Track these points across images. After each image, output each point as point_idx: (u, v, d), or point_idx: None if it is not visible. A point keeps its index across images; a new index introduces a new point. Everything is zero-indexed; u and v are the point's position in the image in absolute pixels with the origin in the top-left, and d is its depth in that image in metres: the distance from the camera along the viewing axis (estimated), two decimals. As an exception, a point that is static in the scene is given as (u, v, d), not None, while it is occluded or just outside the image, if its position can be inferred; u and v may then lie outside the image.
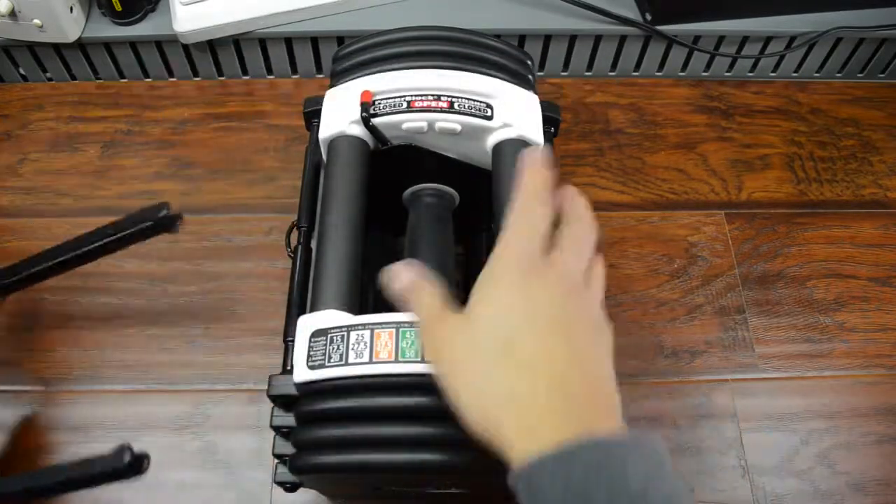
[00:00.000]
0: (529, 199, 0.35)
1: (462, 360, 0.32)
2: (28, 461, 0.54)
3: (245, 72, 0.74)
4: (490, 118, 0.45)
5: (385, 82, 0.46)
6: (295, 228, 0.49)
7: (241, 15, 0.67)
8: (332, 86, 0.48)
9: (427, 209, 0.51)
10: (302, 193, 0.50)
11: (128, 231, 0.46)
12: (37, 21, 0.65)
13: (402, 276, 0.37)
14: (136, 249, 0.63)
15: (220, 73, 0.74)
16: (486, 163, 0.47)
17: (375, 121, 0.45)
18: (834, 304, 0.64)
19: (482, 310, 0.33)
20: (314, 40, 0.71)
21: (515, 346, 0.31)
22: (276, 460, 0.43)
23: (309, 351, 0.39)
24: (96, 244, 0.47)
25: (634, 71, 0.76)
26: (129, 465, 0.37)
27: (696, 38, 0.73)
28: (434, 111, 0.45)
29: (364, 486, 0.48)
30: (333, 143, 0.46)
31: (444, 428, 0.37)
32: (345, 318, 0.39)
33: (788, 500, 0.55)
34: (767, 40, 0.73)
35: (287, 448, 0.42)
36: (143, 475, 0.37)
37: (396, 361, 0.37)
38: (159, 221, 0.44)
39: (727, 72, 0.77)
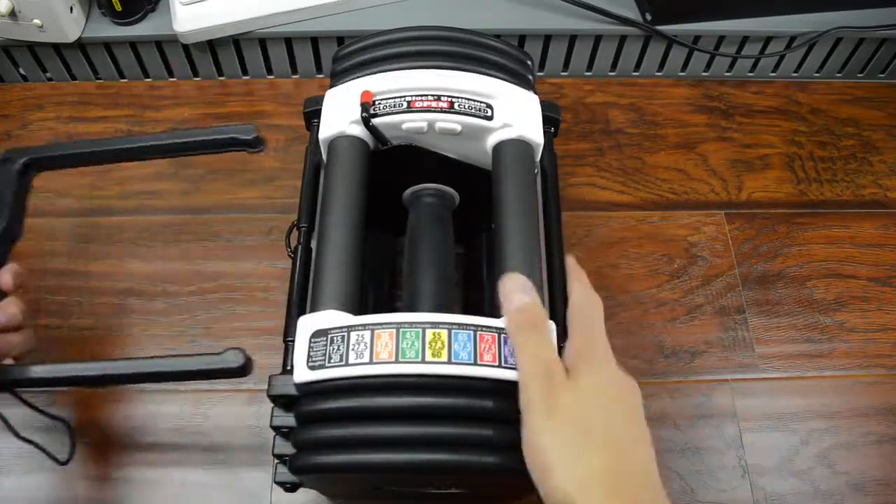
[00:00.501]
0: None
1: (564, 436, 0.33)
2: (26, 461, 0.54)
3: (245, 72, 0.74)
4: (490, 118, 0.45)
5: (385, 82, 0.46)
6: (295, 228, 0.49)
7: (241, 15, 0.67)
8: (332, 86, 0.48)
9: (427, 209, 0.51)
10: (302, 193, 0.50)
11: (214, 138, 0.49)
12: (37, 21, 0.65)
13: (515, 300, 0.38)
14: (135, 249, 0.63)
15: (220, 73, 0.74)
16: (486, 163, 0.47)
17: (375, 121, 0.45)
18: (834, 304, 0.64)
19: (585, 389, 0.35)
20: (314, 40, 0.71)
21: (612, 429, 0.34)
22: (276, 460, 0.43)
23: (309, 351, 0.39)
24: (178, 141, 0.50)
25: (634, 71, 0.76)
26: (241, 367, 0.41)
27: (696, 38, 0.73)
28: (434, 111, 0.45)
29: (364, 486, 0.48)
30: (333, 143, 0.46)
31: (444, 428, 0.38)
32: (345, 318, 0.39)
33: (788, 500, 0.55)
34: (767, 40, 0.73)
35: (287, 448, 0.42)
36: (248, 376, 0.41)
37: (397, 362, 0.37)
38: (248, 141, 0.48)
39: (727, 72, 0.77)
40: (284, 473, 0.43)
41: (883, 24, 0.72)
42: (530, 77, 0.49)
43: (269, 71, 0.74)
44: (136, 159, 0.51)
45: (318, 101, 0.48)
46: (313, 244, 0.47)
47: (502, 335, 0.39)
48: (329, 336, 0.39)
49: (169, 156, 0.51)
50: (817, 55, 0.75)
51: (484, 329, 0.38)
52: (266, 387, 0.40)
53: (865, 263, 0.66)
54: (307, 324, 0.40)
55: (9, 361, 0.44)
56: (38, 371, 0.42)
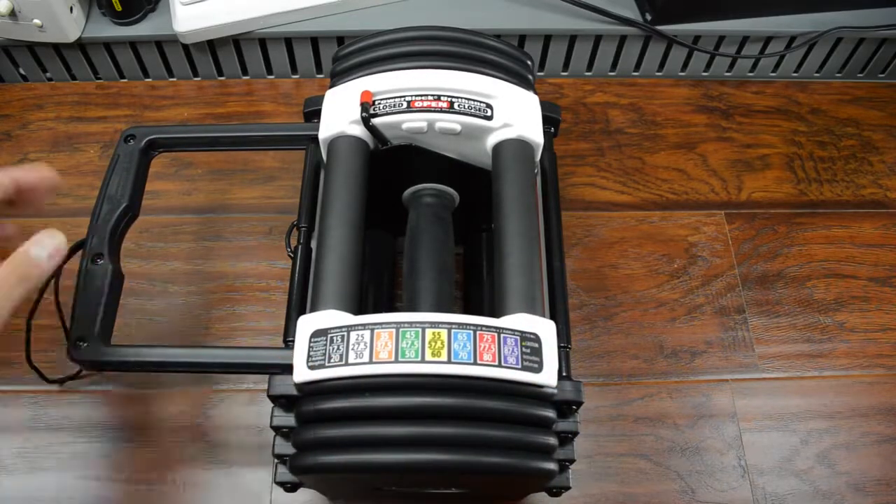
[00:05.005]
0: None
1: None
2: (26, 461, 0.54)
3: (245, 72, 0.74)
4: (490, 118, 0.45)
5: (385, 82, 0.46)
6: (295, 228, 0.49)
7: (241, 15, 0.67)
8: (332, 86, 0.48)
9: (427, 209, 0.51)
10: (302, 193, 0.50)
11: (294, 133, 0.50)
12: (37, 21, 0.65)
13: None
14: (135, 250, 0.63)
15: (220, 73, 0.74)
16: (486, 163, 0.47)
17: (375, 121, 0.45)
18: (834, 304, 0.64)
19: None
20: (314, 40, 0.71)
21: None
22: (276, 460, 0.43)
23: (309, 351, 0.39)
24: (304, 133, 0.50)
25: (634, 71, 0.76)
26: None
27: (696, 38, 0.73)
28: (434, 111, 0.45)
29: (364, 486, 0.48)
30: (333, 143, 0.46)
31: (444, 428, 0.38)
32: (345, 318, 0.39)
33: (788, 500, 0.55)
34: (767, 40, 0.73)
35: (287, 448, 0.42)
36: None
37: (396, 362, 0.37)
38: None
39: (727, 72, 0.77)
40: (284, 473, 0.43)
41: (883, 24, 0.72)
42: (530, 77, 0.49)
43: (269, 71, 0.74)
44: (256, 147, 0.51)
45: (319, 101, 0.48)
46: (313, 244, 0.47)
47: (502, 334, 0.39)
48: (329, 336, 0.39)
49: (291, 147, 0.51)
50: (817, 55, 0.75)
51: (484, 329, 0.38)
52: (266, 387, 0.40)
53: (865, 263, 0.66)
54: (307, 323, 0.40)
55: None
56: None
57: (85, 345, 0.42)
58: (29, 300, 0.40)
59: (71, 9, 0.66)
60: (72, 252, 0.46)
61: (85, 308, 0.43)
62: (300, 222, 0.48)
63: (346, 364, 0.37)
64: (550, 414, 0.40)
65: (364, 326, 0.38)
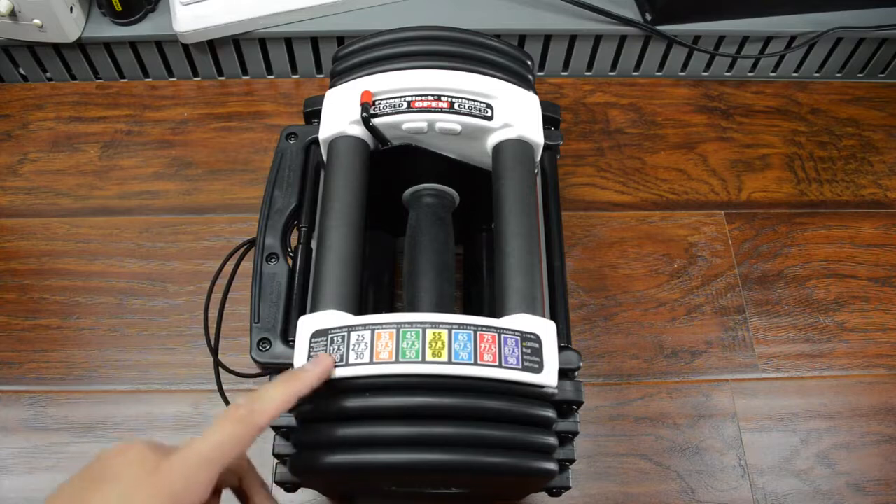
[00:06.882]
0: None
1: None
2: (26, 461, 0.54)
3: (245, 72, 0.74)
4: (490, 118, 0.45)
5: (385, 82, 0.46)
6: (295, 228, 0.49)
7: (241, 15, 0.67)
8: (332, 86, 0.48)
9: (427, 209, 0.51)
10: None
11: None
12: (37, 21, 0.65)
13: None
14: (135, 250, 0.63)
15: (220, 73, 0.74)
16: (486, 163, 0.47)
17: (375, 121, 0.45)
18: (834, 304, 0.64)
19: None
20: (314, 40, 0.71)
21: None
22: (276, 460, 0.43)
23: (309, 351, 0.39)
24: None
25: (634, 71, 0.76)
26: None
27: (696, 38, 0.73)
28: (434, 111, 0.45)
29: (363, 485, 0.48)
30: (333, 143, 0.46)
31: (445, 428, 0.38)
32: (345, 318, 0.39)
33: (788, 500, 0.55)
34: (767, 40, 0.73)
35: (287, 448, 0.42)
36: None
37: (397, 362, 0.37)
38: None
39: (727, 72, 0.77)
40: (284, 473, 0.43)
41: (883, 24, 0.72)
42: (530, 77, 0.49)
43: (269, 71, 0.74)
44: None
45: (319, 101, 0.48)
46: (313, 244, 0.47)
47: (502, 335, 0.39)
48: (329, 336, 0.39)
49: None
50: (817, 55, 0.75)
51: (484, 329, 0.38)
52: (266, 387, 0.40)
53: (865, 263, 0.66)
54: (307, 324, 0.40)
55: None
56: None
57: (269, 347, 0.42)
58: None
59: (71, 9, 0.66)
60: (244, 252, 0.46)
61: (265, 309, 0.43)
62: (300, 222, 0.48)
63: (347, 364, 0.37)
64: (551, 414, 0.40)
65: (364, 327, 0.38)
